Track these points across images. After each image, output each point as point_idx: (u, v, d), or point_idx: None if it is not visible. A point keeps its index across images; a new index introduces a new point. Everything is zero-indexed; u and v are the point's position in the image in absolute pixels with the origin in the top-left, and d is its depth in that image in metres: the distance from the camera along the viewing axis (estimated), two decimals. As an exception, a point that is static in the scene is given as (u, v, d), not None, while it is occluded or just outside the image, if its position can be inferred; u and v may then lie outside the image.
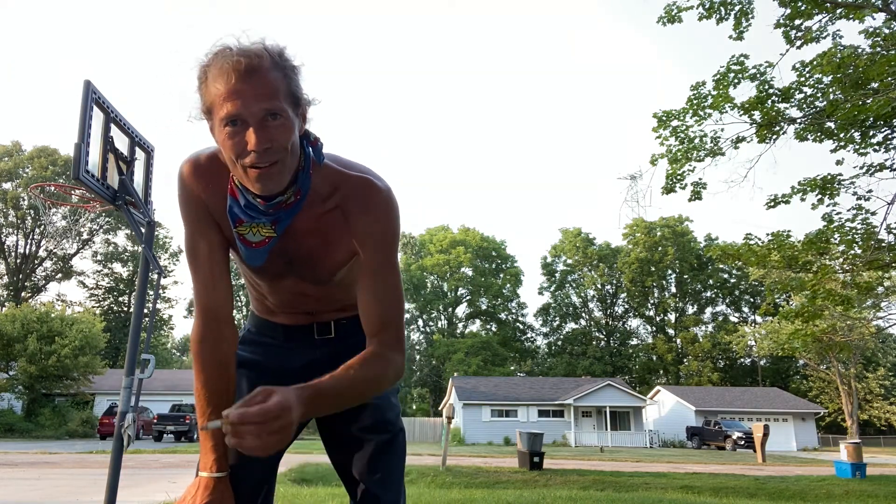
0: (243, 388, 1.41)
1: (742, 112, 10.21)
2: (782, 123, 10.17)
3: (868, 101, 8.00)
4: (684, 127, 10.54)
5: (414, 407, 55.59)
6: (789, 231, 10.67)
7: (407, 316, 62.00)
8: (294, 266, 1.31)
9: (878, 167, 9.88)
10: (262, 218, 1.21)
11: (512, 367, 59.06)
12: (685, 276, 59.33)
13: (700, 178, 10.83)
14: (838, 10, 9.31)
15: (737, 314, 60.19)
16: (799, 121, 10.16)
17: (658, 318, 61.54)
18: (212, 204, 1.26)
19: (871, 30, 9.23)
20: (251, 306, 1.55)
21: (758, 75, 10.09)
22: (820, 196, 10.14)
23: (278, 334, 1.48)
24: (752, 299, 58.65)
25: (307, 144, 1.23)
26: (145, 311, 3.81)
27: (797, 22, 9.65)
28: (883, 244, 9.73)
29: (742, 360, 55.26)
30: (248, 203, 1.19)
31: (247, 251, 1.25)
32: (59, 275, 48.23)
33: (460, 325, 62.33)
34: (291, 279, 1.34)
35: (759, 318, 53.89)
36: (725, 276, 58.53)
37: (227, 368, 1.30)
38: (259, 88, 1.08)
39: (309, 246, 1.29)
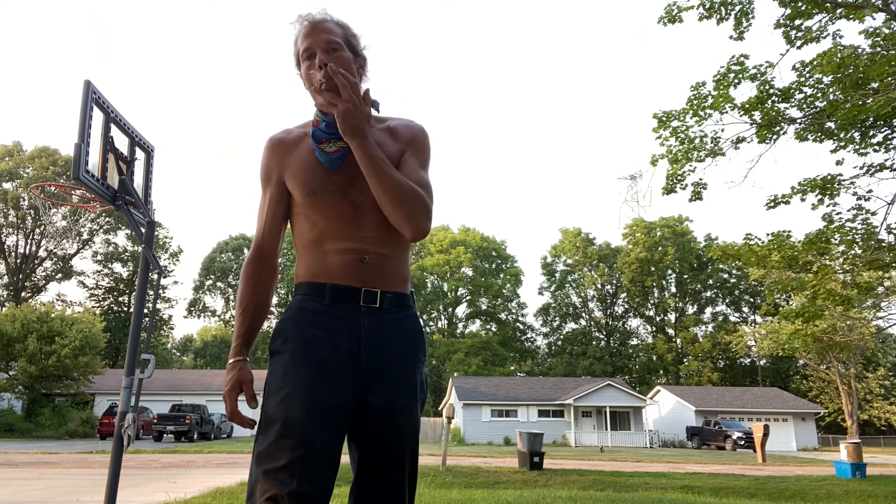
0: (290, 366, 1.51)
1: (742, 112, 10.20)
2: (782, 123, 10.16)
3: (868, 101, 7.99)
4: (684, 127, 10.53)
5: (414, 407, 55.49)
6: (789, 231, 10.66)
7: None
8: (357, 178, 1.58)
9: (878, 167, 9.87)
10: (337, 134, 1.59)
11: (512, 367, 59.01)
12: (685, 276, 59.30)
13: (700, 179, 10.83)
14: (838, 10, 9.30)
15: (737, 314, 60.19)
16: (799, 121, 10.15)
17: (658, 318, 61.51)
18: (282, 153, 1.66)
19: (871, 30, 9.22)
20: (300, 278, 1.64)
21: (758, 75, 10.07)
22: (820, 196, 10.12)
23: (325, 295, 1.57)
24: (752, 299, 58.64)
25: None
26: (145, 311, 3.80)
27: (797, 22, 9.64)
28: (883, 244, 9.73)
29: (742, 360, 55.22)
30: (327, 125, 1.59)
31: (326, 158, 1.60)
32: (59, 275, 48.25)
33: (460, 325, 62.31)
34: (351, 198, 1.59)
35: (759, 318, 53.88)
36: (725, 276, 58.49)
37: (264, 290, 1.66)
38: (322, 30, 1.61)
39: None
